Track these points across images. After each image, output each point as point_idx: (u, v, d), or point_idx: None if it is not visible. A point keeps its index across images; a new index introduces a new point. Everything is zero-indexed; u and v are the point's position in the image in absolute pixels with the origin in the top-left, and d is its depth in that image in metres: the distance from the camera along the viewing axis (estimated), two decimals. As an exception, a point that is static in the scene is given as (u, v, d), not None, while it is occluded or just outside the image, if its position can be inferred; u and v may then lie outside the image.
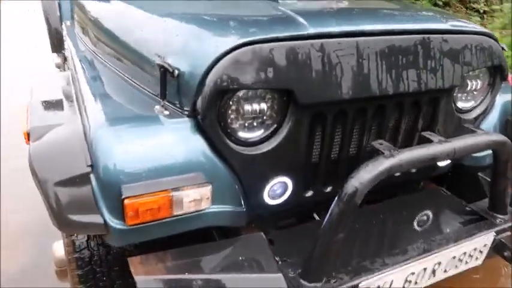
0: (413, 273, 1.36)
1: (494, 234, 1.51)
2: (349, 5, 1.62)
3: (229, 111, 1.24)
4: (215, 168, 1.22)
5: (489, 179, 1.72)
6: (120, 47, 1.58)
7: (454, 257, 1.44)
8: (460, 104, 1.67)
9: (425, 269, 1.39)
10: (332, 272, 1.24)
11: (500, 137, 1.37)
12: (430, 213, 1.62)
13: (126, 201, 1.05)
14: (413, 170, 1.58)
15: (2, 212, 2.55)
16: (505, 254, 1.55)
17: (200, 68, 1.16)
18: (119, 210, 1.09)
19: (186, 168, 1.16)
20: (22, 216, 2.49)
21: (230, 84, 1.16)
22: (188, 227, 1.19)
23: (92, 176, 1.13)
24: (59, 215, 1.13)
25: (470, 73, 1.57)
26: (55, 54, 4.48)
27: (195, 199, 1.14)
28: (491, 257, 1.58)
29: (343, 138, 1.41)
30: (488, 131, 1.49)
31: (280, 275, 1.15)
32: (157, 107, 1.26)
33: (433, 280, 1.45)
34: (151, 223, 1.12)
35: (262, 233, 1.30)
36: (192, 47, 1.23)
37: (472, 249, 1.49)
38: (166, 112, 1.24)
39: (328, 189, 1.49)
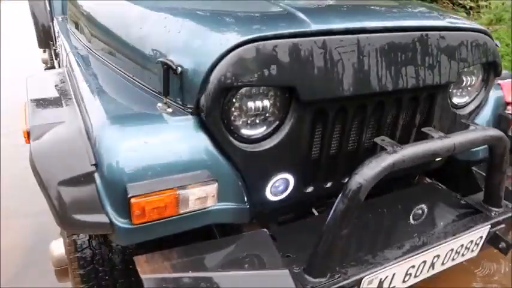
0: (413, 267, 1.39)
1: (490, 226, 1.54)
2: (348, 2, 1.62)
3: (233, 109, 1.24)
4: (219, 165, 1.22)
5: (483, 173, 1.76)
6: (118, 43, 1.56)
7: (451, 250, 1.48)
8: (455, 100, 1.70)
9: (424, 262, 1.41)
10: (336, 267, 1.25)
11: (497, 132, 1.40)
12: (427, 207, 1.65)
13: (132, 200, 1.04)
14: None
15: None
16: (500, 246, 1.59)
17: (204, 65, 1.15)
18: (125, 209, 1.08)
19: (191, 166, 1.16)
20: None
21: (234, 82, 1.15)
22: (193, 225, 1.19)
23: (96, 175, 1.12)
24: (63, 215, 1.11)
25: (466, 69, 1.59)
26: (41, 50, 4.40)
27: (201, 197, 1.14)
28: (486, 249, 1.63)
29: (344, 135, 1.42)
30: (485, 126, 1.52)
31: (286, 270, 1.16)
32: (159, 104, 1.26)
33: (431, 272, 1.48)
34: (157, 221, 1.12)
35: (266, 230, 1.31)
36: (194, 44, 1.22)
37: (469, 242, 1.52)
38: (169, 109, 1.23)
39: (328, 184, 1.51)
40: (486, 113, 1.79)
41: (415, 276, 1.43)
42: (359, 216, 1.52)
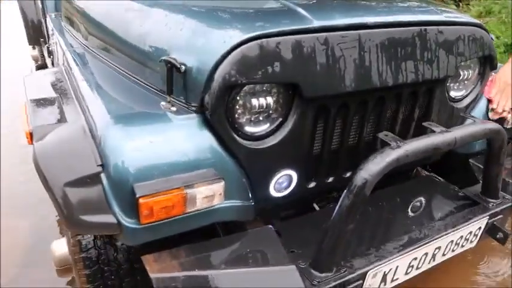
0: (415, 259, 1.41)
1: (488, 217, 1.57)
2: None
3: (237, 106, 1.24)
4: (224, 163, 1.22)
5: (480, 165, 1.79)
6: (118, 41, 1.54)
7: (451, 241, 1.51)
8: (453, 93, 1.72)
9: (426, 254, 1.44)
10: (341, 261, 1.27)
11: (495, 126, 1.42)
12: (426, 199, 1.68)
13: (141, 201, 1.04)
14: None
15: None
16: (498, 236, 1.62)
17: (208, 64, 1.15)
18: (132, 209, 1.08)
19: (196, 164, 1.16)
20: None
21: (238, 79, 1.15)
22: (200, 223, 1.20)
23: (102, 175, 1.11)
24: (70, 216, 1.11)
25: (463, 63, 1.61)
26: (31, 47, 4.34)
27: (208, 195, 1.14)
28: (484, 239, 1.67)
29: (345, 130, 1.43)
30: (483, 120, 1.55)
31: (293, 266, 1.17)
32: (163, 103, 1.25)
33: (432, 264, 1.51)
34: (164, 221, 1.12)
35: (271, 226, 1.32)
36: (197, 42, 1.22)
37: (468, 233, 1.55)
38: (174, 108, 1.23)
39: (330, 179, 1.52)
40: (482, 106, 1.81)
41: (417, 268, 1.46)
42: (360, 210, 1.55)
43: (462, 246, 1.58)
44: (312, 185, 1.48)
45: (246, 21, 1.26)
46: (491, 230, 1.62)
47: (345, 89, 1.31)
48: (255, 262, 1.19)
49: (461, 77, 1.70)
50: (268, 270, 1.17)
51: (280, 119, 1.32)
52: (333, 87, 1.30)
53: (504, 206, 1.62)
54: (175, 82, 1.22)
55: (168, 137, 1.16)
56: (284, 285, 1.17)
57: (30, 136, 1.25)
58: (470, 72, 1.71)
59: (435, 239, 1.43)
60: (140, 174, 1.09)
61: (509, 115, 1.77)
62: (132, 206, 1.08)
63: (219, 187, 1.15)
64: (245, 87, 1.23)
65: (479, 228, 1.58)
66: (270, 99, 1.28)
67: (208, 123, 1.20)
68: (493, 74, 1.80)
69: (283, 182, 1.39)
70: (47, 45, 2.95)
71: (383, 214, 1.61)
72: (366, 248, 1.37)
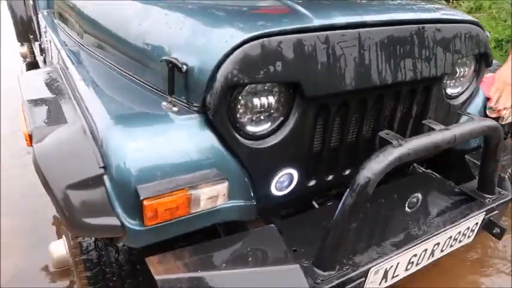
0: (415, 255, 1.43)
1: (485, 213, 1.60)
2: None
3: (238, 106, 1.24)
4: (226, 163, 1.21)
5: (476, 161, 1.81)
6: (116, 40, 1.52)
7: (450, 237, 1.53)
8: (449, 91, 1.73)
9: (425, 250, 1.46)
10: (343, 259, 1.28)
11: (493, 123, 1.44)
12: (423, 196, 1.69)
13: (145, 202, 1.03)
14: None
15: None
16: (494, 231, 1.65)
17: (210, 63, 1.14)
18: (136, 211, 1.07)
19: (199, 164, 1.15)
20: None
21: (241, 79, 1.15)
22: (204, 224, 1.19)
23: (105, 177, 1.10)
24: (72, 219, 1.09)
25: (459, 60, 1.63)
26: (19, 44, 4.27)
27: (212, 196, 1.13)
28: (480, 234, 1.69)
29: (345, 128, 1.44)
30: (481, 117, 1.57)
31: (297, 265, 1.18)
32: (164, 103, 1.24)
33: (431, 259, 1.53)
34: (168, 222, 1.11)
35: (274, 226, 1.32)
36: (199, 41, 1.21)
37: (466, 229, 1.57)
38: (175, 108, 1.22)
39: (330, 177, 1.53)
40: (478, 102, 1.83)
41: (417, 264, 1.47)
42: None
43: (460, 241, 1.60)
44: (312, 183, 1.49)
45: (248, 20, 1.25)
46: (487, 225, 1.65)
47: (345, 88, 1.32)
48: (260, 262, 1.19)
49: (457, 74, 1.72)
50: (273, 269, 1.17)
51: (282, 118, 1.32)
52: (333, 86, 1.30)
53: (500, 202, 1.64)
54: (176, 82, 1.20)
55: (170, 138, 1.15)
56: (289, 284, 1.17)
57: (30, 138, 1.23)
58: (466, 69, 1.73)
59: (434, 235, 1.44)
60: (143, 175, 1.08)
61: (507, 112, 1.80)
62: (135, 208, 1.07)
63: (223, 187, 1.15)
64: (247, 87, 1.22)
65: (476, 223, 1.60)
66: (271, 99, 1.27)
67: (210, 123, 1.20)
68: (489, 71, 1.82)
69: (284, 181, 1.40)
70: (38, 42, 2.90)
71: (381, 211, 1.62)
72: (367, 245, 1.38)
